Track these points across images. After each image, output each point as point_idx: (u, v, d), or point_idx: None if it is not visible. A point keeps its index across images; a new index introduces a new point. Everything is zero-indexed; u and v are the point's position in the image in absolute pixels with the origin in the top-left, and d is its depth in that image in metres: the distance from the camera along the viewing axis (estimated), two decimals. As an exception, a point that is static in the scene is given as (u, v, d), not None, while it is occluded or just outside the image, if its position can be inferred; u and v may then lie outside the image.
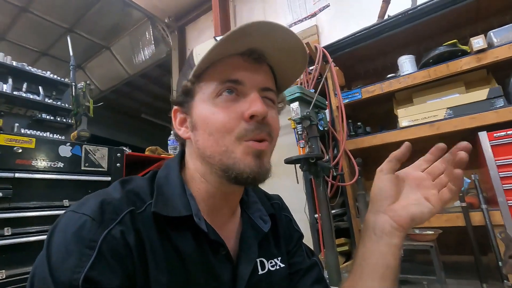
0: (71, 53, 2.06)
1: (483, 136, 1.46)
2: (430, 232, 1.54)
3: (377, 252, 0.49)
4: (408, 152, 0.52)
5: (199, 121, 0.51)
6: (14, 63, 2.19)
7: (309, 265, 0.66)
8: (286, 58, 0.54)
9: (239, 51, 0.50)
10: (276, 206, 0.70)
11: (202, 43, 0.56)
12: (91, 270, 0.40)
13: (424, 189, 0.50)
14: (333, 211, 1.94)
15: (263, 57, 0.52)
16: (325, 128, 1.78)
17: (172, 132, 0.61)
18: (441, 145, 0.52)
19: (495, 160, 1.42)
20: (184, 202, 0.51)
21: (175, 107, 0.57)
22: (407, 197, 0.50)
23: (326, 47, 2.05)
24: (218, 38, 0.51)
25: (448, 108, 1.62)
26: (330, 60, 1.98)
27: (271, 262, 0.60)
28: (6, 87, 2.09)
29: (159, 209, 0.48)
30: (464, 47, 1.62)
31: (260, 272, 0.58)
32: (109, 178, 1.70)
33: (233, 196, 0.58)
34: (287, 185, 1.94)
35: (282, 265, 0.62)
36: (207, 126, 0.49)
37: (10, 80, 2.13)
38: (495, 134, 1.43)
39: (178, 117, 0.57)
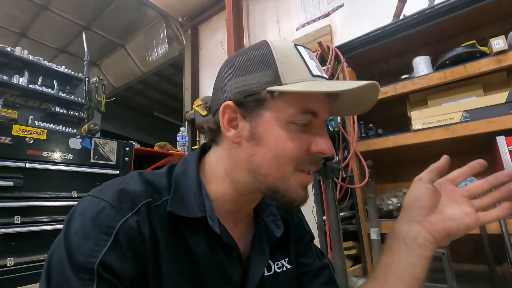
0: (85, 49, 2.10)
1: (501, 140, 1.40)
2: (442, 239, 1.48)
3: (405, 262, 0.46)
4: (448, 164, 0.51)
5: (266, 139, 0.49)
6: (31, 57, 2.25)
7: (320, 267, 0.65)
8: (354, 103, 0.56)
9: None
10: None
11: (278, 43, 0.52)
12: (107, 255, 0.40)
13: (461, 205, 0.48)
14: (341, 214, 1.90)
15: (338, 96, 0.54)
16: (336, 129, 1.75)
17: (203, 125, 0.57)
18: (482, 161, 0.50)
19: (514, 166, 1.36)
20: (199, 202, 0.50)
21: (228, 103, 0.50)
22: (443, 211, 0.48)
23: (338, 47, 2.02)
24: (300, 50, 0.51)
25: (464, 111, 1.56)
26: (343, 60, 1.95)
27: (277, 264, 0.60)
28: (22, 80, 2.15)
29: (174, 209, 0.48)
30: (483, 48, 1.56)
31: (266, 273, 0.57)
32: (117, 172, 1.72)
33: (253, 203, 0.58)
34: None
35: (289, 266, 0.61)
36: (275, 148, 0.48)
37: (26, 74, 2.19)
38: (514, 139, 1.38)
39: (228, 114, 0.51)
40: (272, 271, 0.58)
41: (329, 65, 1.96)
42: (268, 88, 0.48)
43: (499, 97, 1.49)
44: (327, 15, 2.78)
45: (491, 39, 1.49)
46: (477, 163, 0.50)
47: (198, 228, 0.50)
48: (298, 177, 0.50)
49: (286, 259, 0.62)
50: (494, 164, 1.58)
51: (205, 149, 0.59)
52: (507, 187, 0.47)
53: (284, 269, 0.60)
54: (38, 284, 0.43)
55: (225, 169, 0.53)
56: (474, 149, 1.69)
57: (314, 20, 2.86)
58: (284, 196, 0.49)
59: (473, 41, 1.59)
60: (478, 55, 1.57)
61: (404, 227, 0.48)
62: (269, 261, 0.59)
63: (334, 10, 2.74)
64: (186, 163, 0.56)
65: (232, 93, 0.51)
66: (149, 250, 0.44)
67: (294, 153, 0.49)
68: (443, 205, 0.49)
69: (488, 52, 1.54)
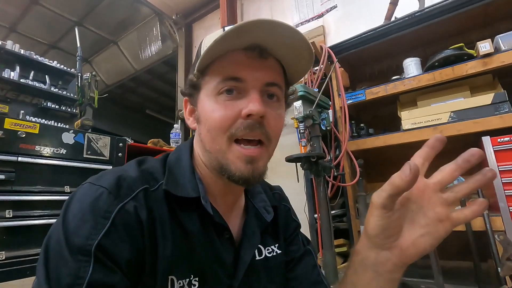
0: (78, 44, 2.08)
1: (486, 141, 1.45)
2: (430, 235, 1.53)
3: (373, 286, 0.44)
4: (413, 179, 0.37)
5: (202, 116, 0.53)
6: (22, 51, 2.22)
7: (303, 253, 0.68)
8: (292, 53, 0.53)
9: (242, 47, 0.50)
10: (277, 196, 0.73)
11: (211, 34, 0.55)
12: (104, 238, 0.41)
13: (435, 206, 0.40)
14: (332, 212, 1.93)
15: (267, 52, 0.51)
16: (328, 128, 1.78)
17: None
18: (441, 136, 0.42)
19: (498, 166, 1.41)
20: (193, 184, 0.53)
21: (185, 98, 0.59)
22: (414, 225, 0.41)
23: (331, 47, 2.05)
24: (227, 27, 0.51)
25: (452, 112, 1.61)
26: (335, 60, 1.98)
27: (268, 249, 0.63)
28: (14, 75, 2.12)
29: (170, 188, 0.50)
30: (471, 51, 1.61)
31: (257, 257, 0.60)
32: (110, 167, 1.71)
33: (237, 186, 0.58)
34: (287, 185, 1.92)
35: (279, 252, 0.64)
36: (206, 122, 0.51)
37: (17, 68, 2.16)
38: (498, 140, 1.42)
39: (188, 107, 0.59)
40: (263, 256, 0.61)
41: (322, 65, 1.99)
42: (194, 72, 0.53)
43: (485, 99, 1.54)
44: (320, 16, 2.82)
45: (478, 42, 1.54)
46: (436, 140, 0.42)
47: (192, 208, 0.52)
48: (235, 150, 0.50)
49: (276, 245, 0.64)
50: (479, 163, 1.63)
51: None
52: (483, 176, 0.39)
53: (274, 254, 0.63)
54: (29, 278, 0.43)
55: (198, 154, 0.58)
56: (461, 149, 1.72)
57: (308, 21, 2.89)
58: (226, 171, 0.50)
59: (461, 44, 1.64)
60: (465, 57, 1.62)
61: (372, 255, 0.43)
62: (260, 246, 0.61)
63: (327, 11, 2.77)
64: (179, 152, 0.60)
65: (184, 90, 0.58)
66: (146, 234, 0.46)
67: (220, 123, 0.49)
68: (413, 212, 0.41)
69: (475, 55, 1.59)
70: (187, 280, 0.49)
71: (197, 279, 0.50)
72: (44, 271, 0.41)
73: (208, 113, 0.51)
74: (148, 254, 0.45)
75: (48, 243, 0.43)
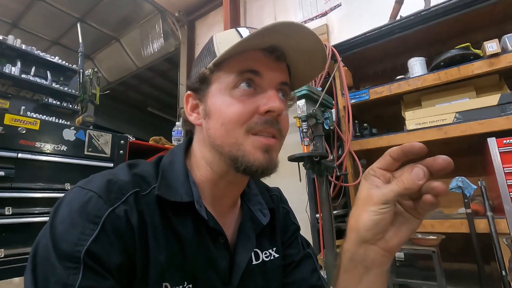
0: (80, 40, 2.07)
1: (492, 142, 1.43)
2: (433, 237, 1.51)
3: (365, 282, 0.44)
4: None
5: (213, 110, 0.51)
6: (23, 47, 2.21)
7: (302, 256, 0.66)
8: (305, 59, 0.54)
9: (261, 47, 0.51)
10: (275, 198, 0.71)
11: (222, 32, 0.57)
12: (93, 244, 0.40)
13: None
14: (334, 212, 1.92)
15: (283, 56, 0.52)
16: (331, 128, 1.76)
17: (181, 117, 0.62)
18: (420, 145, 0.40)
19: (503, 168, 1.39)
20: (186, 188, 0.51)
21: (188, 92, 0.57)
22: (395, 216, 0.43)
23: (335, 46, 2.03)
24: (240, 30, 0.53)
25: (457, 112, 1.59)
26: (339, 59, 1.96)
27: (265, 253, 0.61)
28: (15, 70, 2.11)
29: (162, 193, 0.49)
30: (477, 51, 1.59)
31: (254, 262, 0.59)
32: (112, 165, 1.71)
33: (236, 186, 0.58)
34: (289, 184, 1.92)
35: (276, 255, 0.63)
36: (220, 115, 0.50)
37: (18, 63, 2.15)
38: (504, 141, 1.40)
39: (191, 102, 0.57)
40: (260, 260, 0.60)
41: (325, 64, 1.98)
42: (207, 66, 0.52)
43: (491, 99, 1.52)
44: (324, 14, 2.80)
45: (484, 42, 1.52)
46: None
47: (186, 213, 0.50)
48: (254, 140, 0.49)
49: (274, 249, 0.63)
50: (484, 165, 1.62)
51: (191, 140, 0.61)
52: (436, 162, 0.39)
53: (272, 257, 0.62)
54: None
55: (200, 153, 0.56)
56: (466, 150, 1.73)
57: (311, 19, 2.87)
58: (242, 163, 0.49)
59: (467, 44, 1.62)
60: (471, 57, 1.60)
61: (361, 251, 0.44)
62: (257, 250, 0.60)
63: (331, 9, 2.75)
64: (173, 155, 0.58)
65: (190, 84, 0.57)
66: (138, 239, 0.44)
67: (238, 116, 0.49)
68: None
69: (481, 55, 1.57)
70: (180, 287, 0.48)
71: (190, 286, 0.49)
72: (31, 279, 0.39)
73: (224, 107, 0.50)
74: (139, 259, 0.44)
75: (36, 249, 0.42)
